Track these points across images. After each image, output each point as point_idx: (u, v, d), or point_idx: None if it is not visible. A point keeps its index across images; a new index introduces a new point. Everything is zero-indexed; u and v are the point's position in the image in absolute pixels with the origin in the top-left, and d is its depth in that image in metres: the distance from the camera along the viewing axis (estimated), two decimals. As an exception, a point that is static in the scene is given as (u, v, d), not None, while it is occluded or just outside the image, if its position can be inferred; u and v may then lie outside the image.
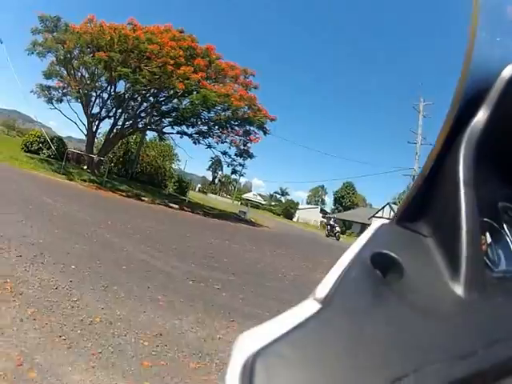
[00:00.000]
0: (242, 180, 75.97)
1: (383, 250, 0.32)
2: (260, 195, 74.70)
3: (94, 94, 21.44)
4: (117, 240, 6.93)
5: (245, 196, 67.30)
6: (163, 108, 22.28)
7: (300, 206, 65.69)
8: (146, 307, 3.96)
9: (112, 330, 3.25)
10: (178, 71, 18.07)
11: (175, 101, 21.41)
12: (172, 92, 20.18)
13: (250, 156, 22.20)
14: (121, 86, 21.22)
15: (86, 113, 21.68)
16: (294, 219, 58.78)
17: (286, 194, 75.89)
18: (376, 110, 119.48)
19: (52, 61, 19.77)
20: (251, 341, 0.23)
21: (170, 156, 31.16)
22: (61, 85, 20.19)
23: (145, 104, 22.56)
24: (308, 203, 75.21)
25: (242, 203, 53.30)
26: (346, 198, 64.65)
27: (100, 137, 24.96)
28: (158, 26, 19.69)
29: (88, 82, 20.74)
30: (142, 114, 23.02)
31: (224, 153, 22.24)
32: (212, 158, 25.75)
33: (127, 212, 12.66)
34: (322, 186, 79.83)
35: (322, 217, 61.10)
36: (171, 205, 19.85)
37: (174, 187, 31.20)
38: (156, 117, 23.19)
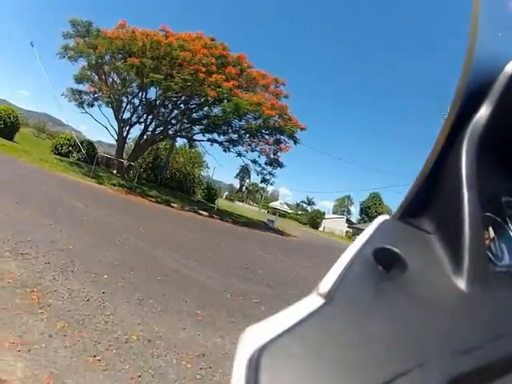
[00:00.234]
0: (269, 188, 75.58)
1: (386, 246, 0.32)
2: (286, 204, 74.04)
3: (125, 99, 21.73)
4: (150, 248, 6.68)
5: (271, 204, 66.81)
6: (194, 115, 22.31)
7: (326, 216, 64.46)
8: (185, 323, 3.60)
9: (151, 349, 2.91)
10: (209, 79, 18.00)
11: (206, 108, 21.42)
12: (203, 100, 20.16)
13: (280, 165, 21.74)
14: (152, 93, 21.48)
15: (116, 118, 22.00)
16: (320, 229, 57.73)
17: (313, 203, 75.42)
18: (400, 123, 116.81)
19: (83, 65, 20.15)
20: (256, 335, 0.23)
21: (199, 163, 31.26)
22: (92, 89, 20.49)
23: (175, 111, 22.74)
24: (334, 213, 73.87)
25: (268, 211, 52.83)
26: (373, 209, 63.31)
27: (130, 142, 25.24)
28: (189, 33, 19.77)
29: (119, 87, 21.08)
30: (173, 121, 23.20)
31: (254, 161, 21.94)
32: (241, 166, 25.50)
33: (157, 218, 12.54)
34: (348, 196, 78.57)
35: (348, 227, 59.71)
36: (200, 212, 19.70)
37: (203, 194, 31.18)
38: (186, 124, 23.27)
